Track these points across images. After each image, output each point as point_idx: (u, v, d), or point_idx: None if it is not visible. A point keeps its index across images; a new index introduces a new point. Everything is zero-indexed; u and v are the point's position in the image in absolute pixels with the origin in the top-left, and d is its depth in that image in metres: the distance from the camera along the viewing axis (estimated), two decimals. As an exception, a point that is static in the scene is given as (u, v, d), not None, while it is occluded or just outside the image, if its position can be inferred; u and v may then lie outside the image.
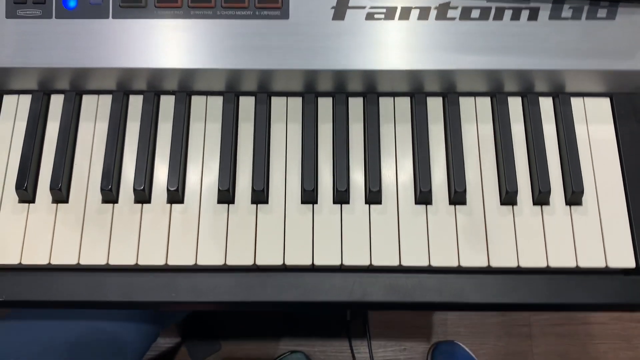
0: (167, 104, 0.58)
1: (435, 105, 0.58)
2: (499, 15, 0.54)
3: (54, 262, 0.53)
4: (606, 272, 0.54)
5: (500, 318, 1.33)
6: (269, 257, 0.53)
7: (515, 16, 0.54)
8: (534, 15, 0.54)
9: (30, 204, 0.55)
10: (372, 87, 0.57)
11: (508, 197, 0.54)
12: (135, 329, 0.74)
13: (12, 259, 0.53)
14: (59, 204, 0.55)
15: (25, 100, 0.58)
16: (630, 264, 0.53)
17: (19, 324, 0.69)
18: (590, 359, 1.31)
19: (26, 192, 0.54)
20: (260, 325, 1.31)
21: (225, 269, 0.55)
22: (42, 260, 0.53)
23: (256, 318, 1.31)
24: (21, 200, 0.55)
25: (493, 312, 1.33)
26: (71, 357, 0.67)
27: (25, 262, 0.53)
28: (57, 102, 0.58)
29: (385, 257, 0.53)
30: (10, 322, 0.69)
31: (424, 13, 0.54)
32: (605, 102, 0.58)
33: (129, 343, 0.73)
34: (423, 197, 0.54)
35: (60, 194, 0.54)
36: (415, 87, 0.57)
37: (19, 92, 0.58)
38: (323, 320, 1.32)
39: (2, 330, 0.68)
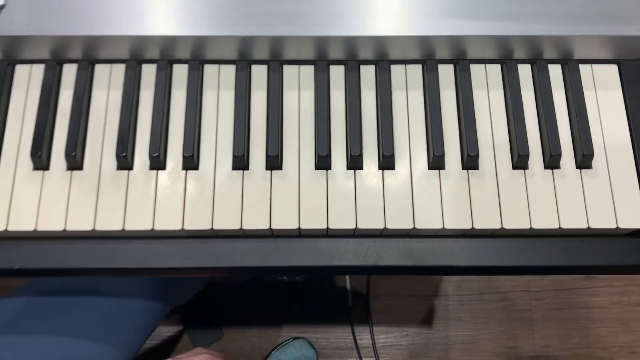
0: (180, 72, 0.58)
1: (446, 72, 0.58)
2: (509, -19, 0.55)
3: (69, 228, 0.53)
4: (616, 234, 0.55)
5: (501, 303, 1.34)
6: (284, 221, 0.53)
7: (525, -18, 0.55)
8: (543, -19, 0.55)
9: (45, 171, 0.55)
10: (384, 55, 0.58)
11: (520, 161, 0.55)
12: (145, 305, 0.74)
13: (27, 225, 0.53)
14: (73, 171, 0.55)
15: (38, 69, 0.58)
16: (640, 224, 0.54)
17: (26, 299, 0.69)
18: (591, 342, 1.32)
19: (41, 159, 0.54)
20: (263, 313, 1.31)
21: (240, 235, 0.55)
22: (58, 226, 0.53)
23: (258, 306, 1.31)
24: (36, 168, 0.55)
25: (494, 296, 1.34)
26: (75, 331, 0.68)
27: (40, 228, 0.53)
28: (70, 72, 0.58)
29: (399, 221, 0.54)
30: (21, 298, 0.69)
31: (435, -20, 0.55)
32: (613, 69, 0.59)
33: (137, 317, 0.73)
34: (436, 161, 0.55)
35: (75, 160, 0.54)
36: (427, 54, 0.58)
37: (32, 61, 0.58)
38: (326, 307, 1.32)
39: (17, 301, 0.68)
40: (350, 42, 0.56)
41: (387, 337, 1.32)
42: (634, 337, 1.32)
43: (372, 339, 1.31)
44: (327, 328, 1.32)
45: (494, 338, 1.32)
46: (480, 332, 1.32)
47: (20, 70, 0.58)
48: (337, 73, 0.58)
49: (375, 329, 1.32)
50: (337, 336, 1.31)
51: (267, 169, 0.55)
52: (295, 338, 1.28)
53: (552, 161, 0.55)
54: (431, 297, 1.34)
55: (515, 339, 1.32)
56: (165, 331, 1.30)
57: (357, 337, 1.31)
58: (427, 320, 1.33)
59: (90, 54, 0.57)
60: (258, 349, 1.29)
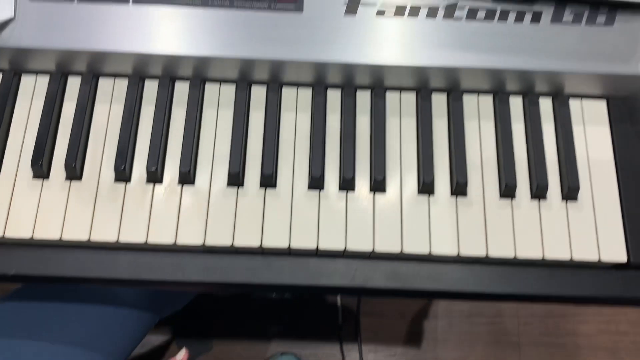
0: (181, 90, 0.60)
1: (439, 101, 0.60)
2: (503, 16, 0.57)
3: (66, 237, 0.54)
4: (598, 266, 0.57)
5: (489, 327, 1.35)
6: (275, 239, 0.55)
7: (519, 18, 0.57)
8: (536, 18, 0.57)
9: (45, 180, 0.56)
10: (380, 82, 0.59)
11: (507, 190, 0.56)
12: (134, 314, 0.75)
13: (24, 233, 0.54)
14: (72, 181, 0.56)
15: (43, 80, 0.59)
16: (622, 258, 0.55)
17: (16, 304, 0.70)
18: (577, 370, 1.33)
19: (41, 168, 0.55)
20: (252, 327, 1.32)
21: (231, 251, 0.56)
22: (54, 235, 0.54)
23: (248, 319, 1.32)
24: (36, 176, 0.56)
25: (483, 320, 1.35)
26: (64, 337, 0.68)
27: (37, 236, 0.54)
28: (74, 84, 0.59)
29: (387, 244, 0.55)
30: (12, 303, 0.70)
31: (432, 12, 0.57)
32: (602, 105, 0.60)
33: (126, 325, 0.73)
34: (426, 187, 0.56)
35: (74, 171, 0.56)
36: (421, 83, 0.59)
37: (37, 72, 0.60)
38: (315, 323, 1.33)
39: (6, 310, 0.69)
40: (348, 69, 0.58)
41: (376, 355, 1.33)
42: (620, 366, 1.33)
43: (361, 357, 1.31)
44: (316, 344, 1.32)
45: (481, 361, 1.32)
46: (467, 354, 1.32)
47: (26, 81, 0.60)
48: (334, 97, 0.60)
49: (364, 347, 1.32)
50: (325, 353, 1.32)
51: (261, 186, 0.57)
52: (283, 353, 1.28)
53: (538, 192, 0.56)
54: (420, 318, 1.35)
55: (503, 364, 1.32)
56: (155, 340, 1.30)
57: (345, 355, 1.31)
58: (416, 340, 1.34)
59: (94, 68, 0.59)
60: (246, 363, 1.29)
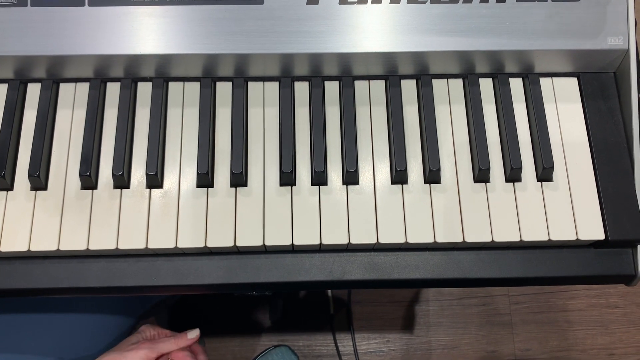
0: (144, 90, 0.58)
1: (409, 88, 0.59)
2: (468, -3, 0.56)
3: (34, 248, 0.53)
4: (577, 245, 0.56)
5: (481, 308, 1.35)
6: (249, 238, 0.54)
7: (484, -2, 0.56)
8: (502, -3, 0.56)
9: (9, 192, 0.55)
10: (348, 71, 0.58)
11: (481, 175, 0.55)
12: (105, 320, 0.74)
13: (-10, 247, 0.53)
14: (37, 191, 0.55)
15: (2, 89, 0.58)
16: (600, 235, 0.54)
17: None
18: (570, 345, 1.33)
19: (4, 179, 0.54)
20: (244, 322, 1.31)
21: (206, 253, 0.55)
22: (22, 247, 0.53)
23: (240, 314, 1.31)
24: (-1, 188, 0.55)
25: (474, 301, 1.35)
26: (35, 348, 0.67)
27: (4, 249, 0.53)
28: (34, 91, 0.58)
29: (363, 236, 0.54)
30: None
31: (395, -3, 0.56)
32: (573, 82, 0.60)
33: (98, 334, 0.72)
34: (399, 176, 0.55)
35: (39, 180, 0.54)
36: (390, 70, 0.58)
37: (-5, 81, 0.58)
38: (307, 315, 1.32)
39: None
40: (314, 59, 0.57)
41: (369, 343, 1.33)
42: (611, 338, 1.34)
43: (354, 345, 1.31)
44: (309, 335, 1.32)
45: (474, 342, 1.33)
46: (460, 336, 1.33)
47: (-17, 90, 0.58)
48: (301, 89, 0.59)
49: (356, 335, 1.32)
50: (319, 343, 1.32)
51: (231, 185, 0.55)
52: (276, 345, 1.28)
53: (513, 174, 0.55)
54: (412, 303, 1.35)
55: (496, 343, 1.33)
56: (146, 341, 1.29)
57: (339, 344, 1.31)
58: (409, 326, 1.34)
59: (54, 73, 0.57)
60: (240, 359, 1.29)
